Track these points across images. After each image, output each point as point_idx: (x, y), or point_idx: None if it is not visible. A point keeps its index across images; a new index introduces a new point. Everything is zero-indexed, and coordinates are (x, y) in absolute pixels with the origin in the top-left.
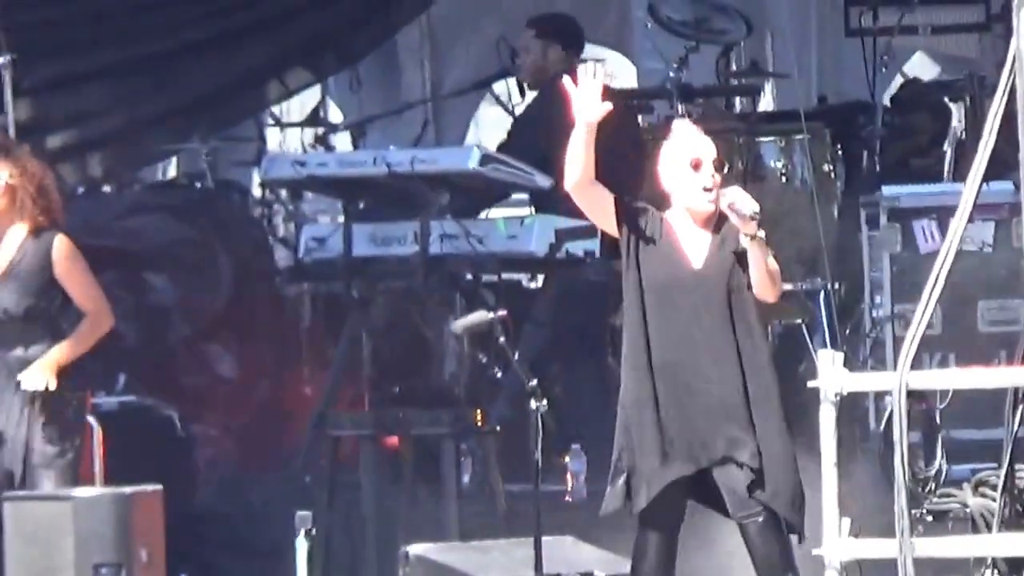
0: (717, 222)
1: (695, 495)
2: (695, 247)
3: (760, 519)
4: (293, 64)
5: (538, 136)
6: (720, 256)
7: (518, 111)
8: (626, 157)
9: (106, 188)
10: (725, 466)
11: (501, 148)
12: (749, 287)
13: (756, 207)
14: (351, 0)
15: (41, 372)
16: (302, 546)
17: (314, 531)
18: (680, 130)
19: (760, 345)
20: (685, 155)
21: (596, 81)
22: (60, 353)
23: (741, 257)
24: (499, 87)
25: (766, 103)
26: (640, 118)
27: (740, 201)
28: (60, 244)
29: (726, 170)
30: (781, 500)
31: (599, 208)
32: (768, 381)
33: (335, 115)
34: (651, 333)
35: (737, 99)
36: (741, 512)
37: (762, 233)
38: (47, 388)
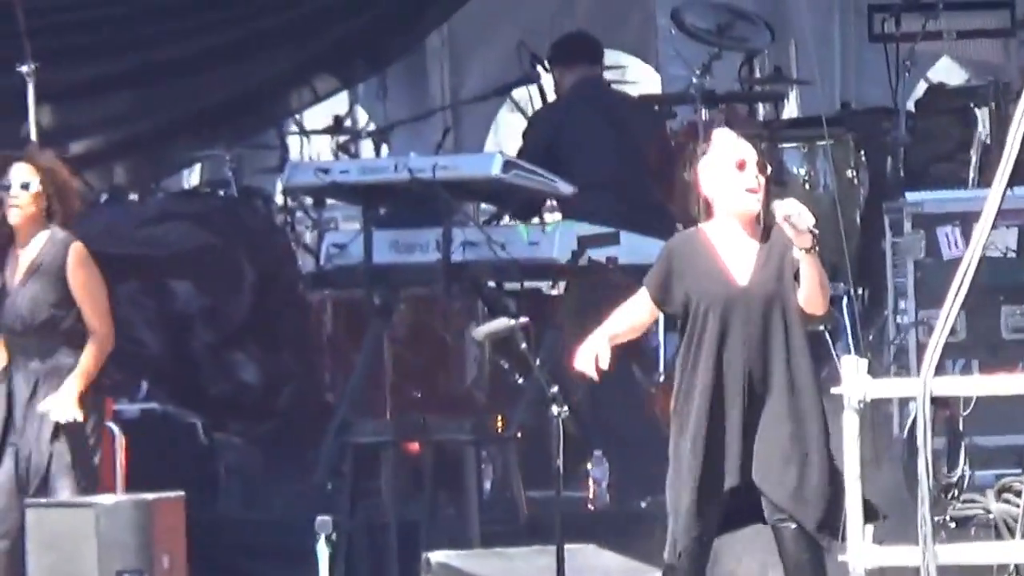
0: (764, 231)
1: (731, 500)
2: (739, 261)
3: (794, 525)
4: (321, 71)
5: (548, 135)
6: (766, 269)
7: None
8: (653, 162)
9: (130, 196)
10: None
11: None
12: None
13: (812, 220)
14: (379, 6)
15: (71, 406)
16: (323, 552)
17: (335, 536)
18: (721, 137)
19: (804, 358)
20: (729, 158)
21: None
22: (79, 383)
23: (789, 269)
24: (519, 93)
25: (790, 109)
26: (667, 124)
27: (796, 214)
28: (75, 252)
29: (768, 171)
30: (815, 512)
31: (650, 317)
32: (810, 396)
33: (362, 121)
34: (697, 353)
35: (760, 105)
36: (776, 516)
37: (816, 247)
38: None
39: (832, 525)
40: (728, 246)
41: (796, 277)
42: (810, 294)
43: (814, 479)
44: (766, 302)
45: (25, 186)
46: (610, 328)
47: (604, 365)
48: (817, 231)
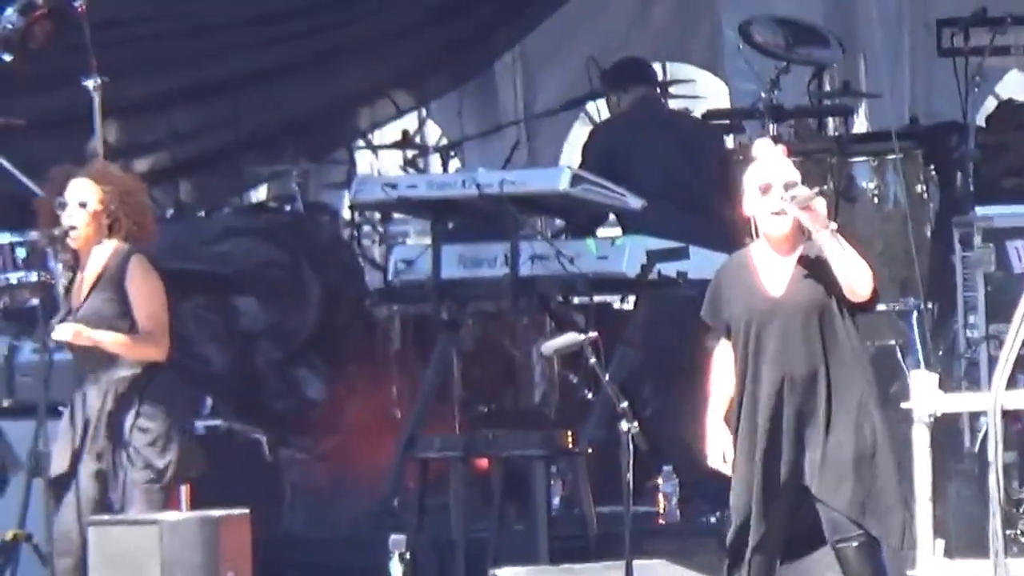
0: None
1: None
2: (775, 275)
3: (856, 543)
4: (393, 88)
5: (608, 149)
6: (801, 280)
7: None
8: (713, 177)
9: (195, 211)
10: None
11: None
12: (839, 306)
13: (809, 192)
14: (454, 24)
15: (71, 332)
16: (396, 570)
17: (408, 555)
18: (757, 153)
19: (854, 365)
20: (755, 180)
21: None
22: (101, 335)
23: (824, 275)
24: (594, 107)
25: (859, 124)
26: (732, 138)
27: (796, 193)
28: (136, 260)
29: (816, 190)
30: (878, 519)
31: None
32: (863, 402)
33: (432, 136)
34: (743, 369)
35: (830, 120)
36: (836, 536)
37: (834, 225)
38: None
39: (897, 531)
40: (768, 262)
41: (831, 285)
42: (843, 275)
43: (873, 486)
44: (802, 311)
45: (83, 204)
46: (718, 406)
47: (731, 459)
48: (819, 194)
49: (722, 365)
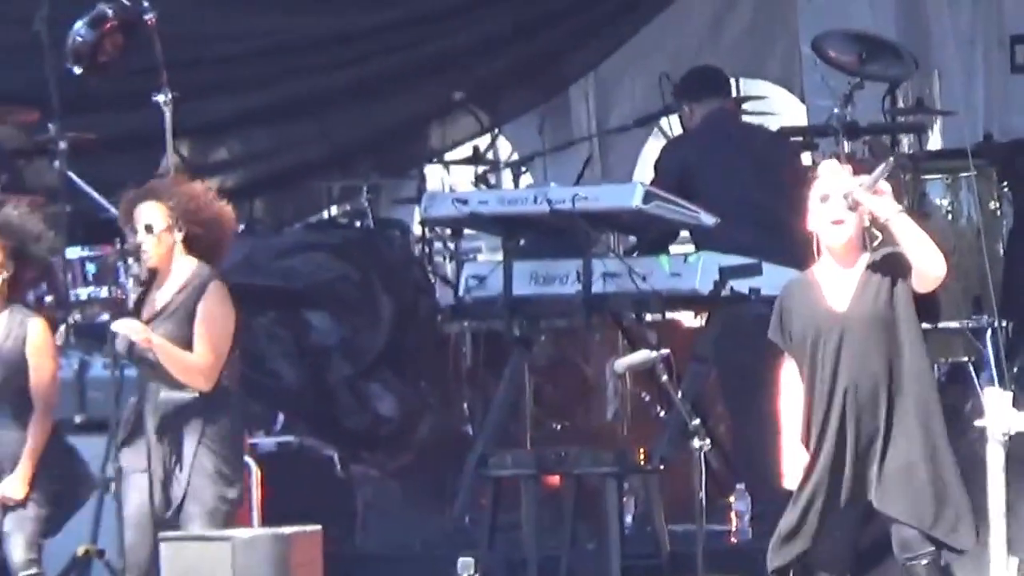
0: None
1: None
2: (839, 290)
3: (925, 561)
4: (465, 109)
5: (680, 165)
6: (864, 294)
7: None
8: (787, 192)
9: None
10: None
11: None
12: (903, 319)
13: (878, 168)
14: (527, 47)
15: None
16: None
17: (477, 575)
18: (821, 173)
19: (919, 378)
20: (816, 192)
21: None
22: (160, 342)
23: (888, 284)
24: (666, 122)
25: (933, 140)
26: (810, 155)
27: (863, 180)
28: (212, 288)
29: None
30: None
31: None
32: (928, 416)
33: (505, 152)
34: (809, 386)
35: (905, 136)
36: (906, 554)
37: (900, 207)
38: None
39: (968, 535)
40: (831, 278)
41: (895, 297)
42: (918, 258)
43: (940, 496)
44: (867, 325)
45: (149, 228)
46: (792, 427)
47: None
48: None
49: (792, 385)
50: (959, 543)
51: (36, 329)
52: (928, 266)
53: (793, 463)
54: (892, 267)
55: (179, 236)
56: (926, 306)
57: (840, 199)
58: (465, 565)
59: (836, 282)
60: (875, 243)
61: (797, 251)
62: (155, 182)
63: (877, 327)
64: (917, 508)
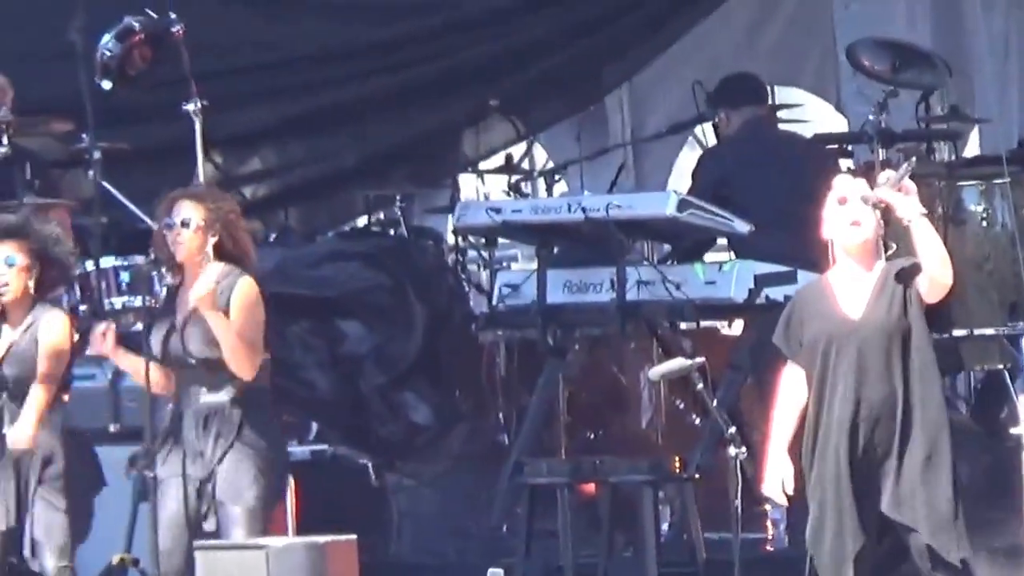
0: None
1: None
2: (853, 297)
3: (946, 569)
4: (508, 114)
5: (717, 174)
6: (880, 301)
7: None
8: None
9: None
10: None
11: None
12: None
13: (903, 166)
14: (561, 57)
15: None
16: None
17: None
18: (836, 182)
19: (931, 385)
20: (833, 196)
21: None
22: (218, 314)
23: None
24: (702, 132)
25: (970, 147)
26: (851, 163)
27: (888, 176)
28: (241, 282)
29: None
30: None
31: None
32: (932, 422)
33: (540, 160)
34: (819, 393)
35: (942, 144)
36: (926, 563)
37: (924, 210)
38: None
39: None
40: (845, 285)
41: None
42: (932, 265)
43: (943, 506)
44: (882, 333)
45: (186, 223)
46: (780, 437)
47: (790, 489)
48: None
49: (790, 392)
50: (952, 556)
51: (51, 320)
52: (940, 274)
53: (775, 470)
54: (906, 277)
55: (212, 239)
56: (937, 316)
57: (859, 201)
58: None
59: (850, 289)
60: (889, 253)
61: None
62: (202, 187)
63: (890, 336)
64: (930, 517)
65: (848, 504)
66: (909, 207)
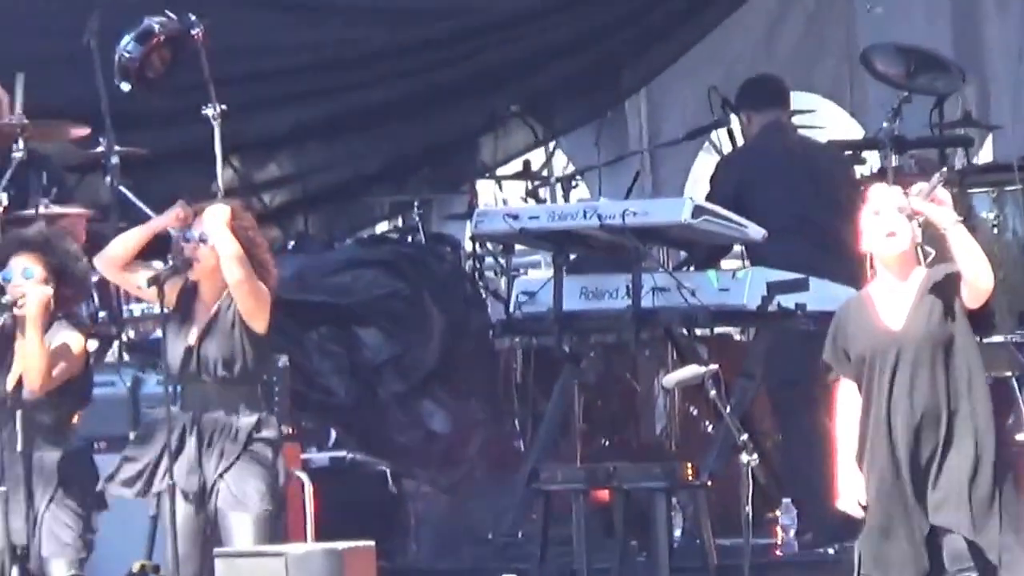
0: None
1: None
2: (894, 308)
3: (975, 573)
4: (519, 123)
5: (735, 180)
6: (920, 311)
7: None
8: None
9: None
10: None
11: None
12: (959, 334)
13: (935, 177)
14: (580, 62)
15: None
16: None
17: None
18: (871, 193)
19: (977, 393)
20: (868, 208)
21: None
22: (232, 242)
23: (943, 298)
24: (719, 138)
25: (984, 154)
26: (868, 168)
27: (919, 188)
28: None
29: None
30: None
31: None
32: (977, 430)
33: (559, 166)
34: (867, 406)
35: (956, 150)
36: (956, 566)
37: (960, 217)
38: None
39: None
40: (885, 296)
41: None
42: (970, 270)
43: (984, 509)
44: (923, 343)
45: (204, 239)
46: (848, 449)
47: (864, 501)
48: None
49: (847, 406)
50: (993, 555)
51: (65, 338)
52: (978, 279)
53: (848, 484)
54: (946, 284)
55: None
56: (981, 319)
57: (893, 211)
58: None
59: (891, 300)
60: (928, 259)
61: (851, 268)
62: (233, 201)
63: (935, 344)
64: (968, 518)
65: (898, 512)
66: (944, 216)
